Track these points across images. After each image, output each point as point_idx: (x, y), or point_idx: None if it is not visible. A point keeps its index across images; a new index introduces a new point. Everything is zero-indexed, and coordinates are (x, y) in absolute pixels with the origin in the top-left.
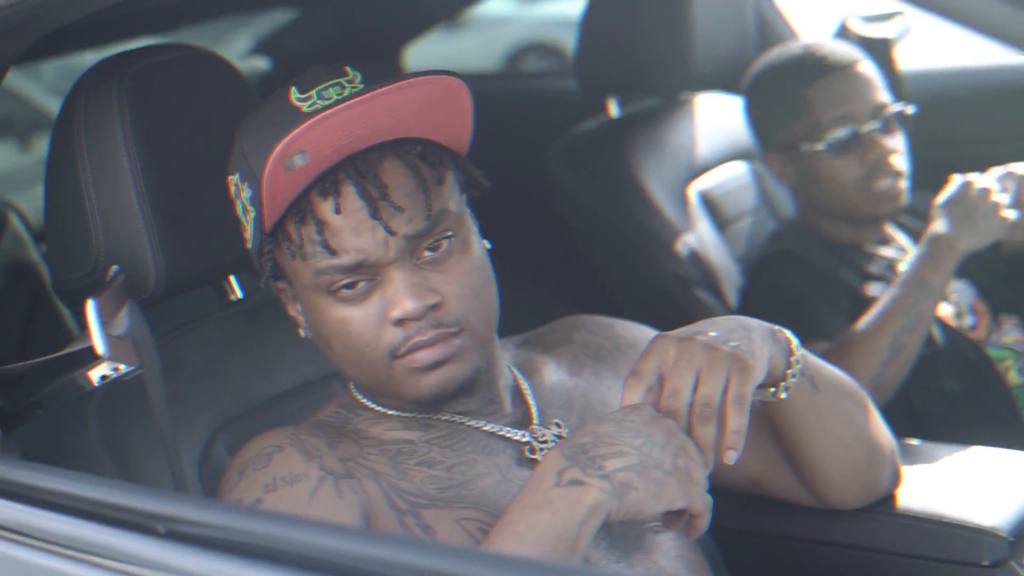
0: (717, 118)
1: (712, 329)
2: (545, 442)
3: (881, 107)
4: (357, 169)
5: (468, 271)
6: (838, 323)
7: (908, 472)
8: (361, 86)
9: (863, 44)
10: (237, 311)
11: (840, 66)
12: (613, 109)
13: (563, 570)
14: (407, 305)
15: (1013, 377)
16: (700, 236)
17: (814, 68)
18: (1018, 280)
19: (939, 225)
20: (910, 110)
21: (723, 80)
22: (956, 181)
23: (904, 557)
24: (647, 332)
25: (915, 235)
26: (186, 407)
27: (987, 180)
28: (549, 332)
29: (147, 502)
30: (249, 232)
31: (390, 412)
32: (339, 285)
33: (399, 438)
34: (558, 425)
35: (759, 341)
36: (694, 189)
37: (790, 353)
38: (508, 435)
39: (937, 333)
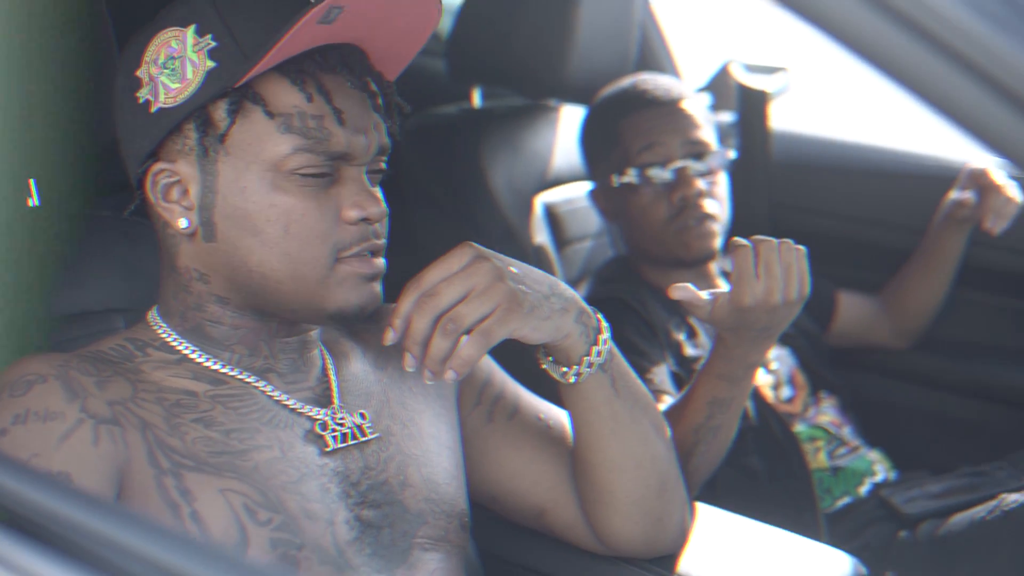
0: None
1: (517, 267)
2: (342, 425)
3: (698, 145)
4: (357, 58)
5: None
6: (663, 382)
7: (695, 537)
8: None
9: (740, 92)
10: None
11: (658, 101)
12: (476, 99)
13: None
14: (372, 208)
15: (822, 459)
16: (537, 249)
17: (632, 101)
18: (840, 362)
19: (726, 342)
20: (731, 154)
21: (593, 95)
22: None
23: None
24: None
25: None
26: None
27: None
28: None
29: None
30: (182, 89)
31: (191, 354)
32: (310, 172)
33: (182, 388)
34: (362, 416)
35: (556, 308)
36: (541, 200)
37: (594, 342)
38: (301, 409)
39: (750, 406)
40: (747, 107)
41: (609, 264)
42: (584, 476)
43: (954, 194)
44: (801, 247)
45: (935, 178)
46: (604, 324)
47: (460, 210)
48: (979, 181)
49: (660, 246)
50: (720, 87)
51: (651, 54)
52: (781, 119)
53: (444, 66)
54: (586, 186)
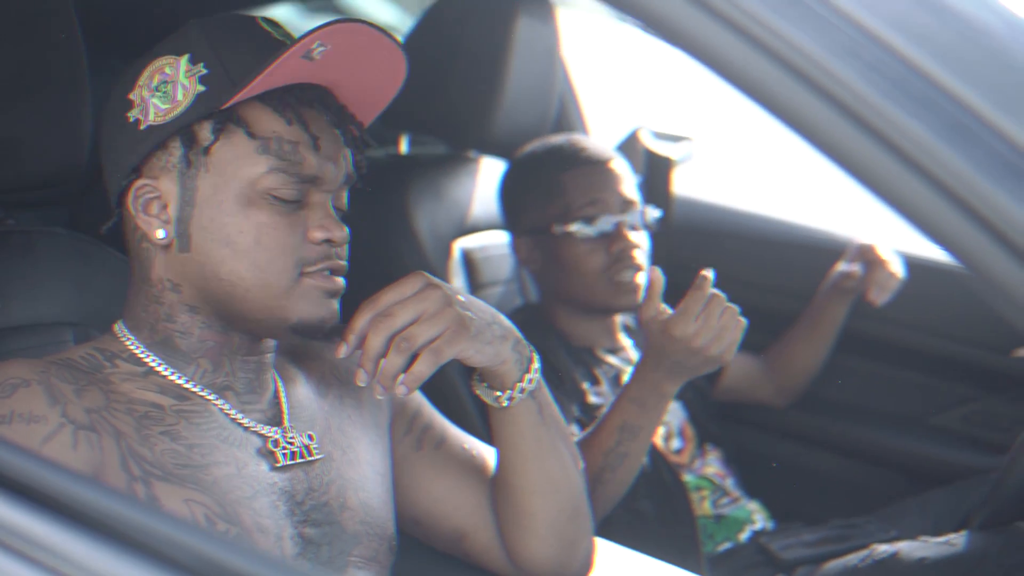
0: (495, 184)
1: (464, 296)
2: (292, 443)
3: (630, 203)
4: (331, 98)
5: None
6: (568, 425)
7: (598, 568)
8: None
9: (647, 157)
10: None
11: (596, 160)
12: (404, 145)
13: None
14: (336, 232)
15: (706, 507)
16: None
17: (571, 157)
18: (725, 417)
19: (646, 363)
20: (657, 212)
21: (512, 151)
22: (662, 309)
23: None
24: None
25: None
26: None
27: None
28: (302, 343)
29: None
30: (172, 108)
31: (156, 366)
32: (282, 194)
33: (150, 401)
34: (311, 437)
35: (497, 335)
36: (459, 245)
37: (526, 370)
38: (255, 428)
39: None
40: (653, 172)
41: (520, 311)
42: (506, 499)
43: (842, 266)
44: (743, 320)
45: (823, 250)
46: (535, 355)
47: (385, 248)
48: (866, 255)
49: (591, 294)
50: (628, 151)
51: (567, 117)
52: (684, 185)
53: None
54: (499, 235)
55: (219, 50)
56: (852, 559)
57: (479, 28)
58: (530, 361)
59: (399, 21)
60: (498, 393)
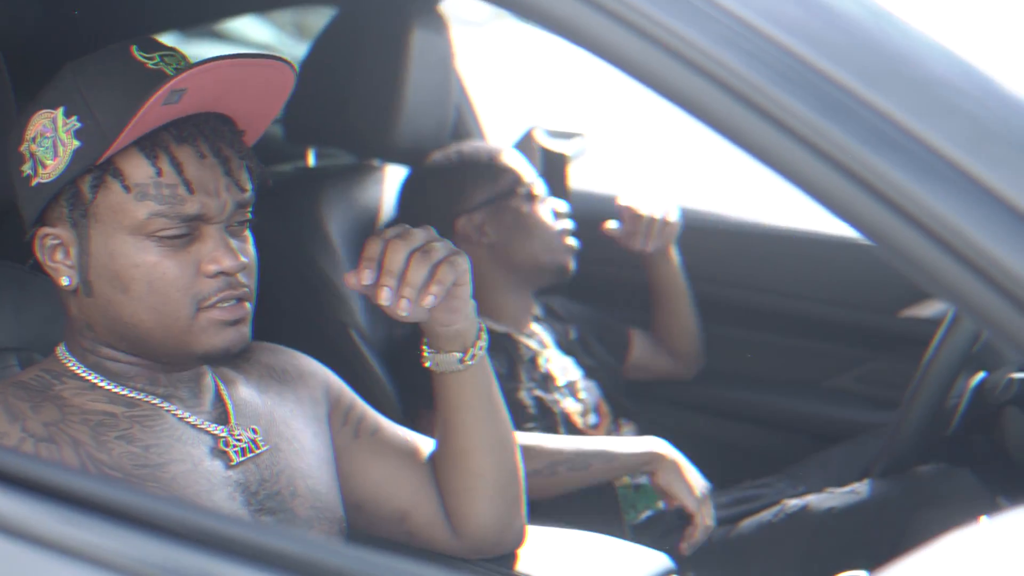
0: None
1: None
2: (240, 441)
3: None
4: (212, 127)
5: (252, 250)
6: None
7: (529, 541)
8: (185, 63)
9: (543, 155)
10: None
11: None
12: (311, 159)
13: None
14: (227, 262)
15: (625, 478)
16: None
17: (492, 146)
18: (638, 395)
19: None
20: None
21: (414, 157)
22: None
23: None
24: (320, 366)
25: (556, 334)
26: None
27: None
28: None
29: None
30: (55, 166)
31: (101, 383)
32: (168, 233)
33: (102, 410)
34: (254, 431)
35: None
36: None
37: (480, 330)
38: (206, 427)
39: (563, 430)
40: (549, 168)
41: None
42: (455, 464)
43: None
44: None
45: (712, 231)
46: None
47: (302, 258)
48: (623, 213)
49: (550, 252)
50: (525, 150)
51: (464, 123)
52: (579, 179)
53: (280, 130)
54: None
55: (89, 100)
56: (766, 516)
57: (376, 44)
58: (480, 324)
59: (276, 40)
60: (459, 354)
